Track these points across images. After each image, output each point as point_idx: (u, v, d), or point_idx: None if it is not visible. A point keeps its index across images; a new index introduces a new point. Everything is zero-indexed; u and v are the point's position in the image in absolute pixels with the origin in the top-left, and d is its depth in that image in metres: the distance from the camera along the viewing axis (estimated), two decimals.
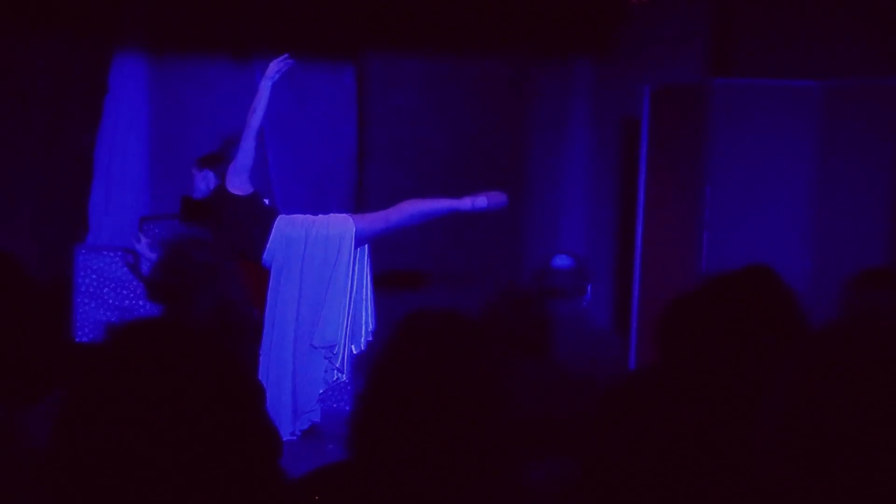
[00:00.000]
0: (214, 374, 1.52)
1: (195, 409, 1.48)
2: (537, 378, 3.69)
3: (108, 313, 7.27)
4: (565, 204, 8.48)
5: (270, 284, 6.54)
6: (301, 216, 6.76)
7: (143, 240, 6.38)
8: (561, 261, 5.52)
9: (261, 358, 6.33)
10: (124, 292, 7.30)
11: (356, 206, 8.43)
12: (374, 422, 2.08)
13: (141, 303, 6.49)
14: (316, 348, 6.41)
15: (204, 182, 6.66)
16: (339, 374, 6.43)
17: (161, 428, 1.46)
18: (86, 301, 7.30)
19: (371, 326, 6.53)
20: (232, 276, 4.98)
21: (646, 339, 6.99)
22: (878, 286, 3.78)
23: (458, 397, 2.03)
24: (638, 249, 7.46)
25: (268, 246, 6.50)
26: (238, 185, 6.53)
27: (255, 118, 6.49)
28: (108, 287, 7.32)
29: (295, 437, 6.34)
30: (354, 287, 6.55)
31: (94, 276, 7.32)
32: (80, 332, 7.25)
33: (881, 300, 3.69)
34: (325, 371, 6.46)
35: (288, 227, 6.56)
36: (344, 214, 6.83)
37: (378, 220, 6.71)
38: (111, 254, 7.41)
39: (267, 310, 6.45)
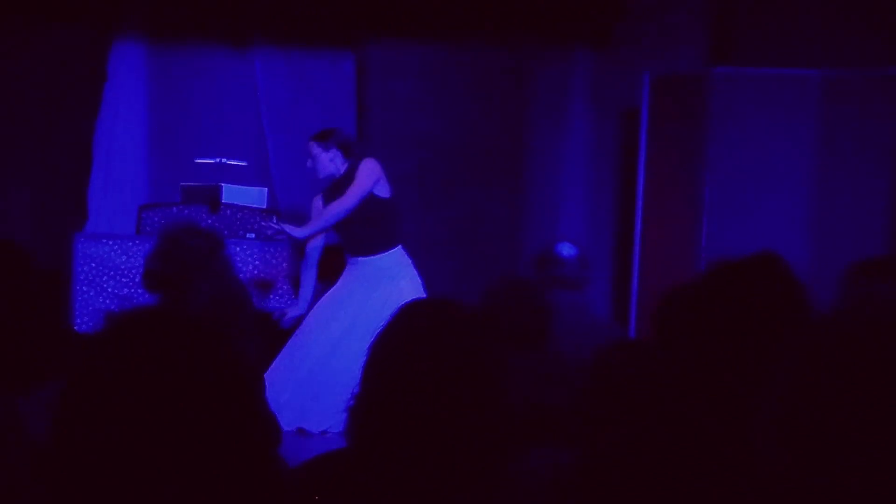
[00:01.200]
0: (213, 362, 1.52)
1: (194, 397, 1.48)
2: (536, 368, 3.69)
3: (107, 301, 7.26)
4: (564, 193, 8.47)
5: (343, 285, 6.49)
6: (410, 261, 6.63)
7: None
8: (567, 250, 5.46)
9: (287, 349, 6.32)
10: (123, 280, 7.29)
11: None
12: (372, 411, 2.07)
13: (140, 291, 6.47)
14: None
15: (332, 163, 6.46)
16: None
17: (160, 416, 1.45)
18: (84, 289, 7.29)
19: None
20: (228, 263, 4.98)
21: (645, 329, 6.99)
22: (878, 276, 3.77)
23: (456, 386, 2.03)
24: (637, 239, 7.45)
25: (375, 257, 6.44)
26: (379, 189, 6.42)
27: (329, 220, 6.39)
28: (107, 275, 7.31)
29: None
30: None
31: (92, 265, 7.30)
32: (78, 321, 7.24)
33: (881, 290, 3.68)
34: None
35: (397, 260, 6.50)
36: None
37: None
38: (110, 242, 7.40)
39: (324, 307, 6.41)
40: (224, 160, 7.91)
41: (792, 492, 1.47)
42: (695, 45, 7.79)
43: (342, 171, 6.44)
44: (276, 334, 7.39)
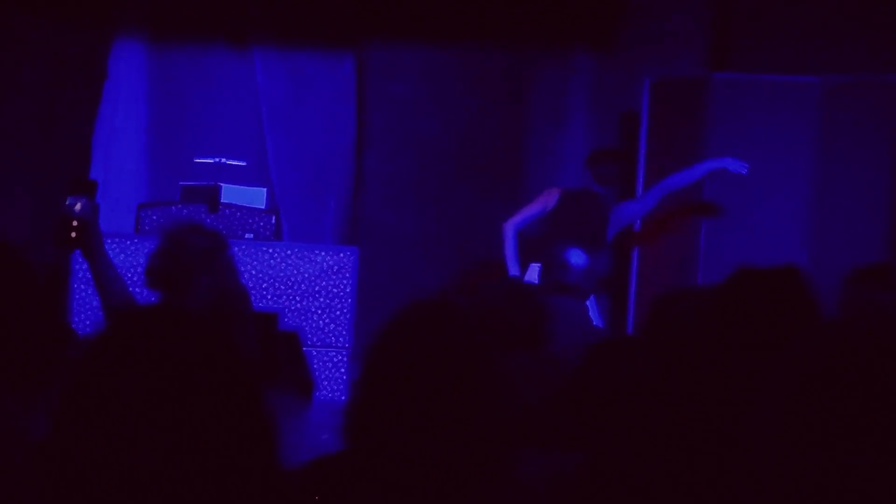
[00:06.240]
0: (215, 361, 1.52)
1: (195, 396, 1.48)
2: (534, 370, 3.69)
3: None
4: None
5: None
6: None
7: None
8: (575, 258, 5.47)
9: None
10: None
11: (354, 194, 8.43)
12: (370, 412, 2.08)
13: (138, 290, 6.45)
14: None
15: None
16: None
17: (160, 415, 1.46)
18: (83, 287, 7.29)
19: None
20: (230, 263, 4.97)
21: (641, 333, 6.98)
22: (877, 283, 3.77)
23: (453, 388, 2.03)
24: (635, 243, 7.46)
25: None
26: None
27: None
28: None
29: None
30: None
31: None
32: (77, 319, 7.23)
33: (879, 297, 3.69)
34: None
35: None
36: None
37: None
38: (108, 240, 7.35)
39: None
40: (223, 160, 7.91)
41: (790, 493, 1.48)
42: (695, 50, 7.81)
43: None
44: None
